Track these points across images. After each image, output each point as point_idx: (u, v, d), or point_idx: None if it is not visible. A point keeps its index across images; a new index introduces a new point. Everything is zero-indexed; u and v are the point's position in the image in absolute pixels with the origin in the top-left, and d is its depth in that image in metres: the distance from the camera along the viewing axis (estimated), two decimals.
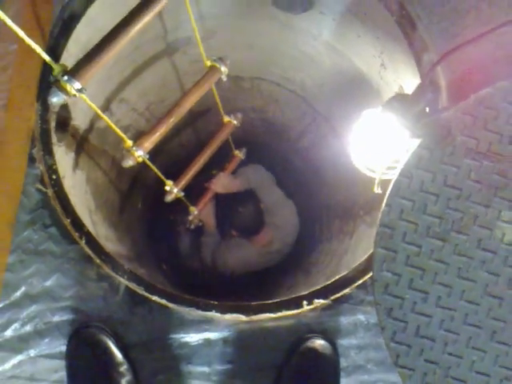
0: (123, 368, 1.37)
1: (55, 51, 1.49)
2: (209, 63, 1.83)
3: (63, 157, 1.82)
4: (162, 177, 1.91)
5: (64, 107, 1.76)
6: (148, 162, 1.64)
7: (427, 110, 1.21)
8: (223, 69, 1.84)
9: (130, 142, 1.55)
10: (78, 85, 1.23)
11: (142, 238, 3.33)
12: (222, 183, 2.94)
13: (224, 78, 1.87)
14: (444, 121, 1.16)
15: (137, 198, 3.36)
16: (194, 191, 2.72)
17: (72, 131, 1.92)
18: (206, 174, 2.74)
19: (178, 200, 2.56)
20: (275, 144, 3.58)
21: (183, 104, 1.73)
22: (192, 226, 2.94)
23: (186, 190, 2.20)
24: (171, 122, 1.68)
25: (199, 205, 2.72)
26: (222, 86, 2.83)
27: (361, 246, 2.19)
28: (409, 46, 1.43)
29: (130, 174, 3.03)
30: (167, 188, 2.00)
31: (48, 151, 1.50)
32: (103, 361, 1.37)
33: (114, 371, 1.35)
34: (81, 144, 2.09)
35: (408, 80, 1.68)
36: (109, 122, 1.47)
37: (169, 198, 2.05)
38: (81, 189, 2.11)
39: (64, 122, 1.79)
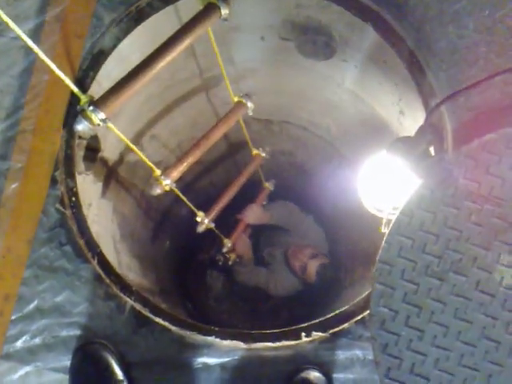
0: None
1: (83, 83, 1.60)
2: (236, 99, 1.92)
3: (91, 186, 1.91)
4: (193, 207, 1.97)
5: (94, 138, 1.86)
6: (176, 191, 1.72)
7: (432, 151, 1.24)
8: (249, 104, 1.92)
9: (158, 171, 1.63)
10: (102, 115, 1.32)
11: (169, 274, 3.37)
12: (253, 214, 2.98)
13: (250, 113, 1.94)
14: (447, 163, 1.18)
15: (165, 234, 3.42)
16: (225, 225, 2.77)
17: (101, 162, 2.02)
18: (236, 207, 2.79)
19: (208, 239, 2.61)
20: (304, 188, 3.62)
21: (210, 137, 1.81)
22: (230, 263, 2.97)
23: (217, 224, 2.24)
24: (198, 153, 1.76)
25: (232, 236, 2.74)
26: (252, 129, 2.93)
27: None
28: (418, 91, 1.48)
29: (159, 210, 3.11)
30: (198, 219, 2.06)
31: (70, 174, 1.59)
32: (104, 377, 1.40)
33: None
34: (110, 175, 2.18)
35: None
36: (136, 150, 1.55)
37: (200, 229, 2.10)
38: (107, 218, 2.18)
39: (93, 153, 1.88)
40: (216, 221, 2.21)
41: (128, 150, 2.29)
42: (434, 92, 1.42)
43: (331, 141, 2.83)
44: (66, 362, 1.47)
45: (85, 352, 1.45)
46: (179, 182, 1.72)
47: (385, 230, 1.43)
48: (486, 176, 1.18)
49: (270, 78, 2.48)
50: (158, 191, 1.66)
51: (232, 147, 3.15)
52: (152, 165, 1.62)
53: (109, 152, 2.10)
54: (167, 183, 1.65)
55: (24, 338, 1.48)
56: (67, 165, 1.59)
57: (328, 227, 3.61)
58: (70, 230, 1.55)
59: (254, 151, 2.48)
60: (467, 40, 1.37)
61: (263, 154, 2.50)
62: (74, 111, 1.58)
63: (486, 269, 1.14)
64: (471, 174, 1.18)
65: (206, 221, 2.09)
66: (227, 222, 2.80)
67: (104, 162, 2.07)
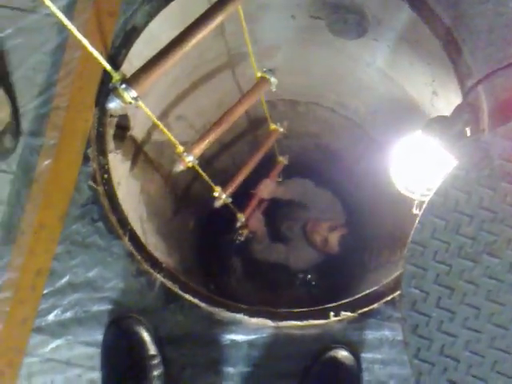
0: (156, 361, 1.41)
1: (115, 60, 1.60)
2: (259, 74, 1.91)
3: (119, 164, 1.92)
4: (211, 182, 1.97)
5: (124, 117, 1.87)
6: (197, 168, 1.72)
7: (468, 131, 1.22)
8: (272, 80, 1.91)
9: (181, 148, 1.63)
10: (134, 93, 1.31)
11: (192, 254, 3.40)
12: (266, 189, 2.99)
13: (273, 89, 1.94)
14: (483, 143, 1.16)
15: (189, 215, 3.45)
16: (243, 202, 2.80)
17: (130, 141, 2.03)
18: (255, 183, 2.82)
19: (230, 221, 2.62)
20: (329, 170, 3.60)
21: (232, 113, 1.80)
22: (242, 238, 2.99)
23: (236, 201, 2.26)
24: (220, 130, 1.75)
25: (246, 211, 2.76)
26: (278, 110, 2.91)
27: None
28: (454, 70, 1.45)
29: (184, 190, 3.13)
30: (215, 194, 2.05)
31: (102, 152, 1.61)
32: (137, 351, 1.41)
33: (147, 363, 1.39)
34: (137, 154, 2.20)
35: None
36: (162, 127, 1.54)
37: (217, 204, 2.10)
38: (134, 198, 2.20)
39: (123, 131, 1.90)
40: (235, 197, 2.22)
41: (156, 129, 2.30)
42: (471, 71, 1.39)
43: (360, 123, 2.80)
44: (97, 336, 1.49)
45: (118, 326, 1.46)
46: (201, 159, 1.73)
47: (417, 211, 1.42)
48: None
49: (299, 58, 2.46)
50: (180, 167, 1.66)
51: (253, 123, 3.13)
52: (176, 141, 1.61)
53: (137, 131, 2.11)
54: (190, 160, 1.65)
55: (56, 311, 1.50)
56: (99, 142, 1.60)
57: (353, 210, 3.60)
58: (102, 206, 1.56)
59: (272, 126, 2.49)
60: (506, 18, 1.34)
61: (281, 129, 2.51)
62: (106, 89, 1.58)
63: None
64: (508, 155, 1.15)
65: (224, 196, 2.08)
66: (245, 198, 2.84)
67: (132, 140, 2.09)
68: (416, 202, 1.43)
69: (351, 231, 3.10)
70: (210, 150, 2.87)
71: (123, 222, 1.57)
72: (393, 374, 1.44)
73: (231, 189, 2.17)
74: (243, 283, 3.77)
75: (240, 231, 2.98)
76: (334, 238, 3.01)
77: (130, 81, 1.32)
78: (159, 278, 1.52)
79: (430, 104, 1.95)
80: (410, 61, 1.88)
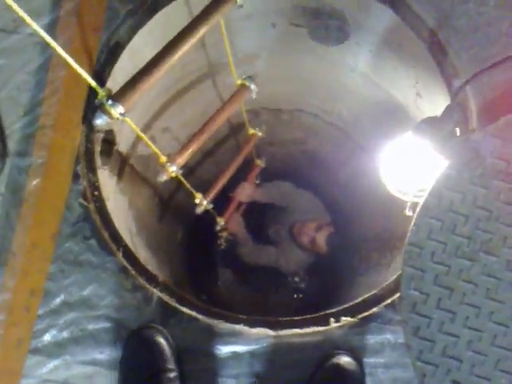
0: (173, 375, 1.39)
1: (101, 77, 1.59)
2: (239, 82, 1.92)
3: (107, 180, 1.90)
4: (192, 189, 1.97)
5: (110, 133, 1.85)
6: (180, 177, 1.72)
7: (457, 131, 1.22)
8: (252, 87, 1.92)
9: (164, 158, 1.63)
10: (121, 109, 1.30)
11: (182, 266, 3.39)
12: (244, 192, 3.01)
13: (254, 96, 1.95)
14: (473, 143, 1.17)
15: (177, 227, 3.43)
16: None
17: (116, 156, 2.01)
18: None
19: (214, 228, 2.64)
20: (316, 176, 3.61)
21: (214, 122, 1.81)
22: (223, 242, 3.00)
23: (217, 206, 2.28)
24: (202, 138, 1.76)
25: (225, 215, 2.77)
26: (262, 120, 2.91)
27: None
28: (440, 72, 1.46)
29: (171, 202, 3.12)
30: (197, 200, 2.06)
31: (91, 169, 1.59)
32: (156, 362, 1.39)
33: (165, 376, 1.37)
34: (124, 169, 2.18)
35: None
36: (146, 139, 1.53)
37: (199, 211, 2.11)
38: (123, 213, 2.19)
39: (109, 147, 1.88)
40: (216, 202, 2.24)
41: (141, 142, 2.29)
42: (457, 72, 1.40)
43: (344, 127, 2.82)
44: (95, 355, 1.47)
45: (139, 335, 1.44)
46: (185, 168, 1.74)
47: (410, 212, 1.42)
48: None
49: (281, 65, 2.46)
50: (164, 177, 1.66)
51: (234, 129, 3.13)
52: (158, 151, 1.61)
53: (123, 146, 2.10)
54: (173, 170, 1.65)
55: (51, 332, 1.48)
56: (88, 159, 1.58)
57: (340, 215, 3.61)
58: (94, 223, 1.55)
59: (251, 131, 2.51)
60: (488, 16, 1.35)
61: (259, 134, 2.54)
62: (92, 106, 1.57)
63: None
64: (499, 153, 1.16)
65: (205, 202, 2.09)
66: (225, 202, 2.87)
67: (118, 156, 2.07)
68: (409, 204, 1.43)
69: (339, 234, 3.13)
70: (193, 159, 2.87)
71: (116, 237, 1.56)
72: (396, 378, 1.44)
73: (212, 195, 2.18)
74: (233, 290, 3.77)
75: (220, 234, 2.99)
76: (322, 238, 3.05)
77: (117, 96, 1.31)
78: (156, 292, 1.51)
79: (415, 106, 1.96)
80: (393, 64, 1.89)
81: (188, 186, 1.89)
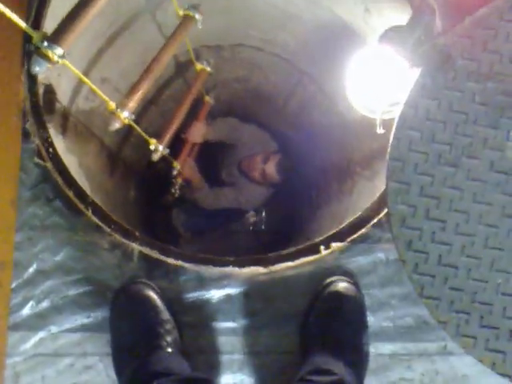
0: (170, 326, 1.34)
1: (35, 20, 1.44)
2: (181, 12, 1.80)
3: (54, 140, 1.77)
4: (146, 136, 1.84)
5: (48, 88, 1.71)
6: (133, 124, 1.59)
7: (424, 37, 1.18)
8: (197, 16, 1.80)
9: (113, 104, 1.48)
10: (60, 50, 1.17)
11: (138, 223, 3.29)
12: (198, 132, 2.95)
13: (199, 26, 1.83)
14: (442, 46, 1.13)
15: (129, 183, 3.32)
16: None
17: (58, 114, 1.88)
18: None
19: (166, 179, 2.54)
20: (263, 113, 3.54)
21: (160, 58, 1.68)
22: (177, 190, 2.93)
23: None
24: (151, 78, 1.63)
25: (180, 158, 2.70)
26: (203, 58, 2.78)
27: (362, 201, 2.16)
28: None
29: (119, 156, 2.99)
30: (152, 147, 1.93)
31: (41, 124, 1.46)
32: (151, 316, 1.33)
33: (161, 328, 1.31)
34: (68, 128, 2.04)
35: (396, 21, 1.65)
36: (90, 84, 1.39)
37: (155, 157, 1.98)
38: (75, 173, 2.06)
39: (50, 104, 1.74)
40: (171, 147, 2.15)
41: (82, 96, 2.15)
42: None
43: (289, 58, 2.73)
44: (81, 320, 1.39)
45: (127, 292, 1.37)
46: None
47: (381, 130, 1.38)
48: (484, 53, 1.14)
49: None
50: (116, 125, 1.52)
51: (181, 67, 2.99)
52: (105, 97, 1.47)
53: (63, 102, 1.96)
54: (125, 115, 1.51)
55: (30, 304, 1.39)
56: (36, 114, 1.45)
57: (292, 150, 3.57)
58: (55, 183, 1.44)
59: (199, 66, 2.43)
60: None
61: (208, 69, 2.47)
62: (29, 53, 1.42)
63: (498, 148, 1.12)
64: (469, 54, 1.13)
65: (161, 147, 1.97)
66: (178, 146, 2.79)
67: (61, 113, 1.93)
68: (378, 121, 1.39)
69: (288, 159, 3.15)
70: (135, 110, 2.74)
71: (82, 195, 1.45)
72: (392, 294, 1.44)
73: (166, 139, 2.06)
74: (193, 243, 3.71)
75: (174, 180, 2.91)
76: (271, 167, 3.06)
77: (53, 38, 1.17)
78: (136, 247, 1.43)
79: (364, 22, 1.90)
80: None
81: (140, 130, 1.75)
